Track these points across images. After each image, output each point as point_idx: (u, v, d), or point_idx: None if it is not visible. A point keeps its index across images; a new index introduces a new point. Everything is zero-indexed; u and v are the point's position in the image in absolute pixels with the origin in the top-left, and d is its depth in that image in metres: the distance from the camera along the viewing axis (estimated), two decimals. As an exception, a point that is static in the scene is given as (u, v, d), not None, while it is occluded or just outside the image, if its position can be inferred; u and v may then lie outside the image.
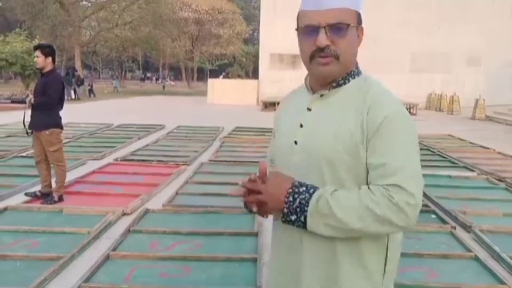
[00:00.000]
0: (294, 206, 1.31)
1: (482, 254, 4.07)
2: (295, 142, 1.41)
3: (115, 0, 35.88)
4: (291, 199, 1.32)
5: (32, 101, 5.31)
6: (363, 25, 1.41)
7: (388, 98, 1.36)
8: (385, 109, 1.31)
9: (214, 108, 20.49)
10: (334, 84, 1.40)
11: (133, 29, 37.35)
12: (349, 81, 1.40)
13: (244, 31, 47.71)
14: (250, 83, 25.99)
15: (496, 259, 4.01)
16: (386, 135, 1.29)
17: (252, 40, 58.74)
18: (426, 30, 22.50)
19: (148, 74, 71.38)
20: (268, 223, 2.01)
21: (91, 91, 30.00)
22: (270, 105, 20.18)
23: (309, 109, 1.42)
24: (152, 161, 8.01)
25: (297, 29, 1.41)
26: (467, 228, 4.75)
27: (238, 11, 47.77)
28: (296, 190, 1.32)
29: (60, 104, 5.53)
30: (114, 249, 4.02)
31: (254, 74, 42.38)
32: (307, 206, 1.29)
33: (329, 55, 1.33)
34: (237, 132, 11.87)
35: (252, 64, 51.79)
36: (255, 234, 4.44)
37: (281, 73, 22.97)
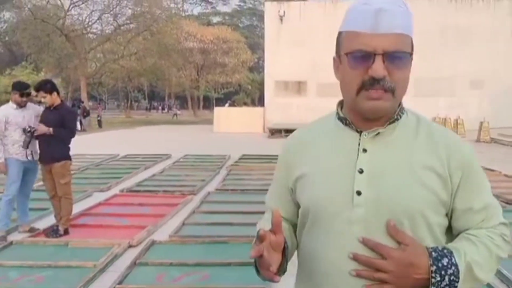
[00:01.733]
0: (443, 285, 1.10)
1: (499, 284, 3.97)
2: (358, 192, 1.16)
3: (120, 32, 36.41)
4: (438, 278, 1.10)
5: (51, 131, 5.25)
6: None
7: (457, 137, 1.25)
8: (465, 151, 1.21)
9: (220, 136, 20.52)
10: (390, 121, 1.20)
11: (138, 60, 37.69)
12: (400, 116, 1.22)
13: (249, 59, 48.16)
14: (256, 110, 26.02)
15: (512, 286, 3.91)
16: (475, 177, 1.21)
17: (257, 68, 59.23)
18: (429, 54, 22.61)
19: (155, 104, 71.92)
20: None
21: (100, 121, 30.28)
22: (276, 132, 20.18)
23: (364, 150, 1.19)
24: (158, 191, 7.97)
25: (338, 53, 1.20)
26: (480, 254, 4.64)
27: (243, 40, 48.36)
28: (440, 264, 1.10)
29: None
30: (120, 283, 3.96)
31: (260, 102, 42.59)
32: (458, 282, 1.11)
33: (383, 88, 1.12)
34: (244, 160, 11.83)
35: (258, 92, 52.08)
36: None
37: (287, 100, 23.09)
